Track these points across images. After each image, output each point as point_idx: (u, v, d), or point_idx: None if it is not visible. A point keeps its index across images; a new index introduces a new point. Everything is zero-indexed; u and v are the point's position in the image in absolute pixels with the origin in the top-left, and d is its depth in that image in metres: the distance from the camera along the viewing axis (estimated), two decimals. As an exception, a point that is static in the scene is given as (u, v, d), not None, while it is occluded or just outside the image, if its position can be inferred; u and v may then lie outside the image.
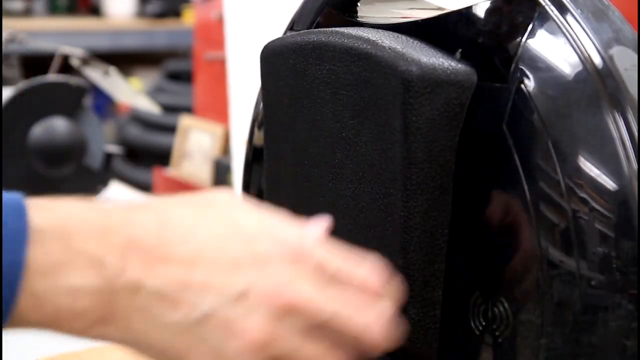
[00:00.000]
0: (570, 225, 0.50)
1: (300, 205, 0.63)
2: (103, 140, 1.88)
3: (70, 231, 0.44)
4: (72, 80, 1.85)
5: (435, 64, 0.54)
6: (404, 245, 0.55)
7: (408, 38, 0.57)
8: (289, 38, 0.64)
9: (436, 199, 0.54)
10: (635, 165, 0.50)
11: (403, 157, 0.54)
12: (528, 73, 0.52)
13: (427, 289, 0.55)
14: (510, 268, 0.52)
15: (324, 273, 0.47)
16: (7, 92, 1.79)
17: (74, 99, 1.83)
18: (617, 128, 0.50)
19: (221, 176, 2.18)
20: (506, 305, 0.52)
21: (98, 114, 2.55)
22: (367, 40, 0.57)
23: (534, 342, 0.51)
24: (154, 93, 2.93)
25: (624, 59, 0.52)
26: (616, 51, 0.52)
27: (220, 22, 1.97)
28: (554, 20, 0.53)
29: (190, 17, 3.31)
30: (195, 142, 2.33)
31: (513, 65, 0.53)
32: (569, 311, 0.50)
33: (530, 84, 0.52)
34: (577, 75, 0.51)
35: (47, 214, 0.44)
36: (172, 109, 2.71)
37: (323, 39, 0.60)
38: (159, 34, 3.76)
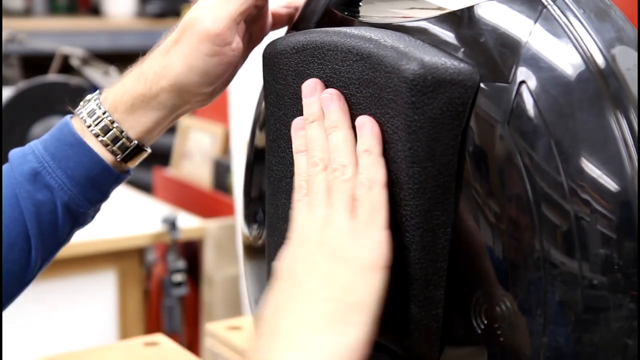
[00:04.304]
0: (572, 226, 0.50)
1: (302, 204, 0.63)
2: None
3: None
4: (72, 80, 1.85)
5: (438, 64, 0.54)
6: (406, 244, 0.55)
7: (410, 37, 0.57)
8: (291, 37, 0.64)
9: (438, 198, 0.54)
10: (637, 166, 0.50)
11: (405, 156, 0.54)
12: (530, 73, 0.52)
13: (429, 287, 0.55)
14: (512, 268, 0.52)
15: None
16: (7, 92, 1.79)
17: (74, 99, 1.83)
18: (620, 128, 0.50)
19: (221, 176, 2.18)
20: (508, 304, 0.52)
21: (98, 114, 2.54)
22: (370, 40, 0.57)
23: (536, 341, 0.51)
24: (153, 93, 2.92)
25: (626, 58, 0.52)
26: (618, 51, 0.52)
27: (220, 22, 1.97)
28: (557, 20, 0.53)
29: (190, 18, 3.31)
30: (195, 142, 2.33)
31: (515, 65, 0.53)
32: (571, 311, 0.50)
33: (532, 83, 0.52)
34: (580, 75, 0.51)
35: None
36: (172, 109, 2.70)
37: (325, 38, 0.60)
38: (159, 34, 3.74)
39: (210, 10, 0.64)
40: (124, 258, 1.86)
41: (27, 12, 3.84)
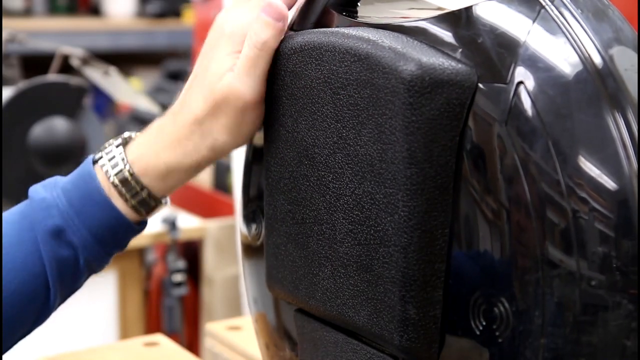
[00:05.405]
0: (570, 225, 0.50)
1: (301, 205, 0.63)
2: (103, 140, 1.88)
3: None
4: (72, 80, 1.85)
5: (436, 64, 0.54)
6: (404, 245, 0.55)
7: (408, 38, 0.57)
8: (289, 38, 0.64)
9: (436, 199, 0.54)
10: (635, 165, 0.50)
11: (403, 157, 0.54)
12: (528, 73, 0.52)
13: (428, 289, 0.55)
14: (510, 268, 0.52)
15: None
16: (7, 92, 1.79)
17: (74, 99, 1.83)
18: (617, 128, 0.50)
19: (221, 176, 2.18)
20: (506, 305, 0.52)
21: (98, 114, 2.54)
22: (368, 40, 0.57)
23: (535, 342, 0.51)
24: (154, 93, 2.93)
25: (624, 58, 0.52)
26: (616, 51, 0.52)
27: (220, 22, 1.97)
28: (555, 20, 0.53)
29: (190, 17, 3.32)
30: (195, 142, 2.33)
31: (513, 65, 0.53)
32: (569, 311, 0.50)
33: (530, 84, 0.52)
34: (578, 75, 0.52)
35: None
36: (172, 109, 2.70)
37: (323, 39, 0.60)
38: (159, 34, 3.76)
39: (240, 80, 0.63)
40: (124, 258, 1.86)
41: (27, 12, 3.84)
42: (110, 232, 0.67)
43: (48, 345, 1.73)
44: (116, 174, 0.66)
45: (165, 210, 1.99)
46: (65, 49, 1.93)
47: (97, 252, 0.67)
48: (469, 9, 0.56)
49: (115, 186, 0.66)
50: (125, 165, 0.66)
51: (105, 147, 0.68)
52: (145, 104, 2.03)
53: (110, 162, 0.67)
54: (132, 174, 0.66)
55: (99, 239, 0.67)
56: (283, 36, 0.64)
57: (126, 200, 0.67)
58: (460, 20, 0.56)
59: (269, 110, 0.66)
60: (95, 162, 0.67)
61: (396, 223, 0.55)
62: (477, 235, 0.54)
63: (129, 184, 0.66)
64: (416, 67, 0.54)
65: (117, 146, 0.67)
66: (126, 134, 0.69)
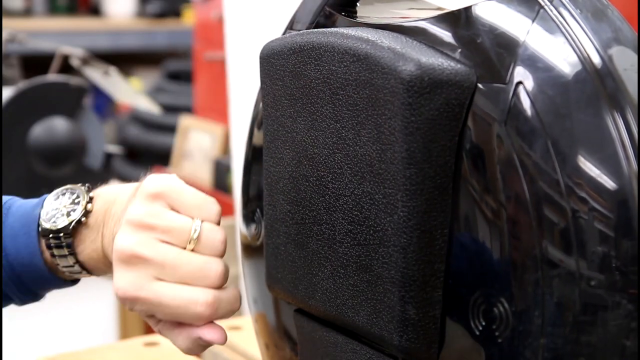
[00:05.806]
0: (569, 224, 0.50)
1: (300, 205, 0.63)
2: (103, 140, 1.88)
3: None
4: (72, 80, 1.85)
5: (435, 64, 0.54)
6: (403, 246, 0.55)
7: (407, 38, 0.57)
8: (289, 38, 0.64)
9: (436, 199, 0.54)
10: (634, 165, 0.50)
11: (403, 157, 0.54)
12: (527, 73, 0.52)
13: (427, 289, 0.55)
14: (510, 268, 0.52)
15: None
16: (7, 92, 1.79)
17: (74, 99, 1.83)
18: (617, 128, 0.50)
19: (221, 176, 2.18)
20: (506, 305, 0.52)
21: (98, 114, 2.55)
22: (367, 41, 0.57)
23: (534, 342, 0.51)
24: (154, 93, 2.93)
25: (623, 58, 0.52)
26: (615, 51, 0.52)
27: (220, 22, 1.97)
28: (554, 20, 0.53)
29: (190, 17, 3.32)
30: (195, 142, 2.33)
31: (512, 65, 0.53)
32: (568, 311, 0.50)
33: (529, 84, 0.52)
34: (577, 75, 0.52)
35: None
36: (172, 109, 2.71)
37: (322, 39, 0.60)
38: (159, 34, 3.76)
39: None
40: (124, 258, 1.86)
41: (27, 12, 3.84)
42: (49, 291, 0.72)
43: (48, 345, 1.73)
44: (65, 267, 0.69)
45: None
46: (65, 49, 1.93)
47: (33, 301, 0.72)
48: (468, 9, 0.56)
49: (57, 265, 0.69)
50: (74, 264, 0.69)
51: (53, 231, 0.68)
52: (145, 104, 2.03)
53: (61, 255, 0.69)
54: (83, 270, 0.70)
55: (37, 296, 0.72)
56: None
57: (70, 274, 0.70)
58: (459, 20, 0.56)
59: (269, 110, 0.66)
60: (41, 234, 0.69)
61: (395, 223, 0.55)
62: (477, 235, 0.54)
63: (74, 268, 0.70)
64: (415, 67, 0.54)
65: (65, 236, 0.68)
66: (69, 221, 0.68)
